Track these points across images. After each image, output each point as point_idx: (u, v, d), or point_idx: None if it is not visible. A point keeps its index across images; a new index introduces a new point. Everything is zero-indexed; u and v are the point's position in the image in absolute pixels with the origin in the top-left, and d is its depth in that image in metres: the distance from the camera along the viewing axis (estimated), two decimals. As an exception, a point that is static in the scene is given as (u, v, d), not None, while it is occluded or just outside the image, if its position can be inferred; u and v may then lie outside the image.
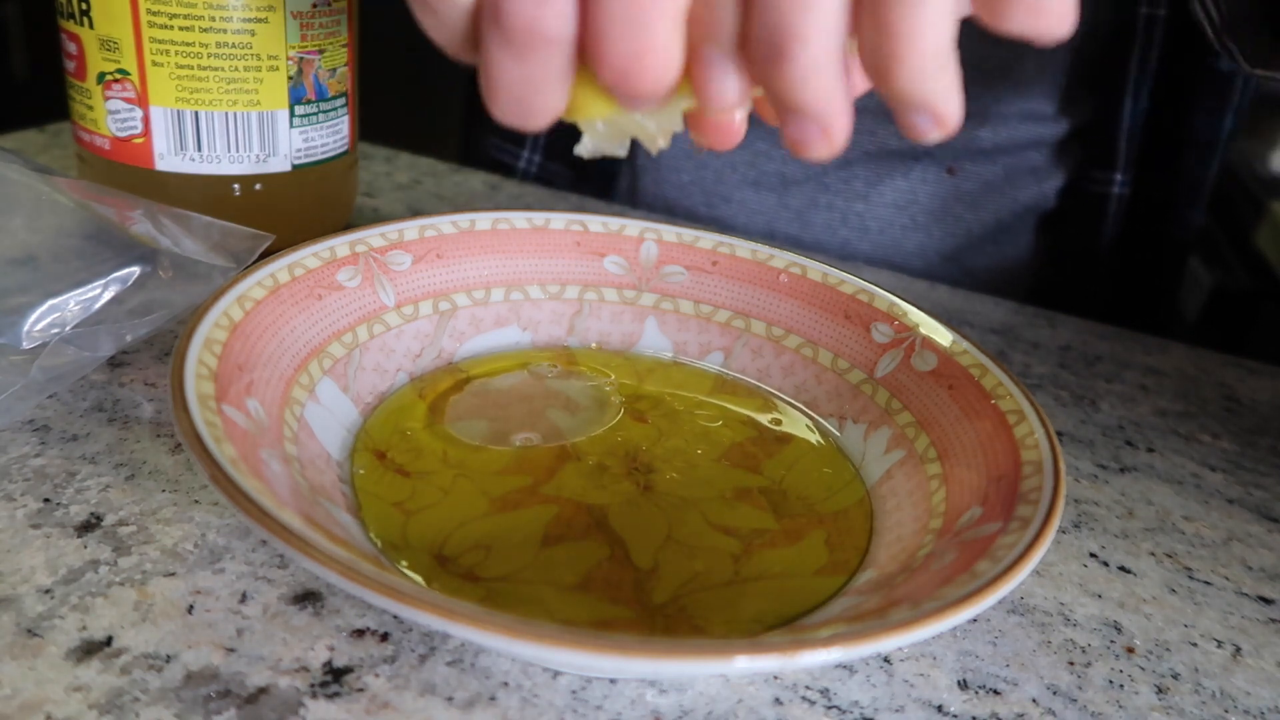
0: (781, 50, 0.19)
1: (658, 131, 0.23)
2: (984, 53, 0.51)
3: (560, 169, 0.61)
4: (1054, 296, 0.54)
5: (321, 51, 0.36)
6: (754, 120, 0.62)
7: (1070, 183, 0.56)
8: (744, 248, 0.33)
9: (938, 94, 0.19)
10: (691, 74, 0.20)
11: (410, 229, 0.31)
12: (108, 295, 0.30)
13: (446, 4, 0.20)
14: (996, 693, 0.23)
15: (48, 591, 0.22)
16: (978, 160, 0.55)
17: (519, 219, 0.33)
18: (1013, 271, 0.57)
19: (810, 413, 0.31)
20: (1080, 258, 0.56)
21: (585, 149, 0.24)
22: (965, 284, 0.53)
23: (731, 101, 0.20)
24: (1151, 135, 0.54)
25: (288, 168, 0.37)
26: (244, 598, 0.23)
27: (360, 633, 0.22)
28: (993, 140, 0.54)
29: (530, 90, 0.20)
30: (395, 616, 0.23)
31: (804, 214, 0.56)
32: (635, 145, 0.58)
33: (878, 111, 0.53)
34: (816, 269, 0.32)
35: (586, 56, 0.19)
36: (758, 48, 0.19)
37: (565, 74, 0.20)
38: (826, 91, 0.19)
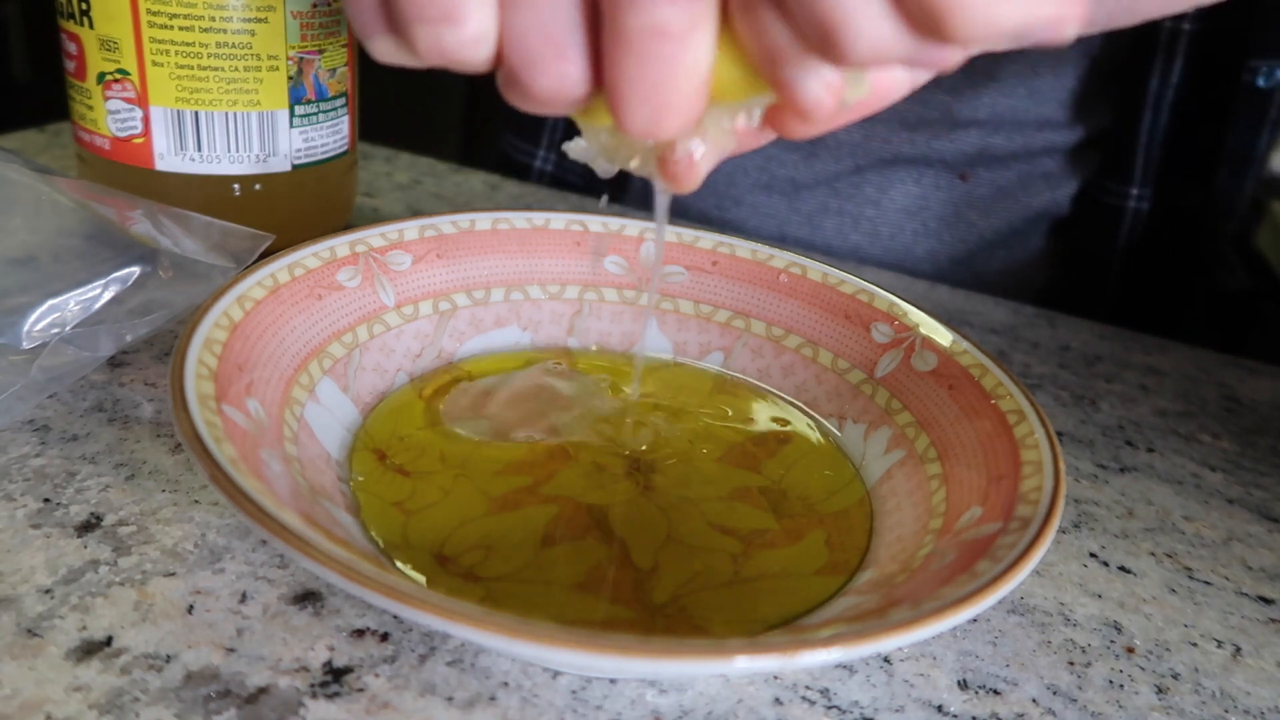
0: (833, 44, 0.18)
1: (649, 154, 0.22)
2: (997, 62, 0.51)
3: (576, 166, 0.61)
4: (1065, 303, 0.54)
5: (321, 51, 0.36)
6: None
7: (1084, 190, 0.56)
8: (744, 248, 0.33)
9: (1019, 11, 0.16)
10: (781, 95, 0.19)
11: (410, 229, 0.31)
12: (108, 295, 0.30)
13: (464, 65, 0.20)
14: (996, 693, 0.23)
15: (48, 591, 0.22)
16: (991, 166, 0.54)
17: (519, 219, 0.33)
18: (1024, 277, 0.57)
19: (810, 413, 0.31)
20: (1093, 265, 0.56)
21: (575, 149, 0.23)
22: (976, 290, 0.52)
23: (829, 104, 0.19)
24: (1183, 150, 0.53)
25: (288, 168, 0.37)
26: (244, 598, 0.23)
27: (360, 633, 0.22)
28: (1006, 147, 0.54)
29: (551, 114, 0.20)
30: (395, 616, 0.23)
31: (815, 218, 0.56)
32: None
33: (890, 119, 0.53)
34: (816, 269, 0.32)
35: (608, 103, 0.19)
36: (816, 50, 0.18)
37: (582, 105, 0.20)
38: (893, 46, 0.17)
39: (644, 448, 0.28)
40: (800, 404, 0.31)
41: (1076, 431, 0.36)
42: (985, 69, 0.51)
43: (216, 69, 0.34)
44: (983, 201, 0.55)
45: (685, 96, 0.19)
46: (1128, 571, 0.28)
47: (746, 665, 0.17)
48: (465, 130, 0.66)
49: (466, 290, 0.32)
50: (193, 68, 0.34)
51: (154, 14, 0.33)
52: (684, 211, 0.58)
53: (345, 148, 0.39)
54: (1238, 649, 0.26)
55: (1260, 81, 0.51)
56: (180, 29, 0.33)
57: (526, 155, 0.61)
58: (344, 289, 0.29)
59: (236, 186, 0.36)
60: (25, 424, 0.28)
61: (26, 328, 0.29)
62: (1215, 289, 0.60)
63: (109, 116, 0.35)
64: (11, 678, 0.20)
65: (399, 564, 0.23)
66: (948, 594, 0.19)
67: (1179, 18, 0.50)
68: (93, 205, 0.32)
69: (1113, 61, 0.52)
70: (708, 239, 0.34)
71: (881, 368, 0.30)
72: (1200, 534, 0.31)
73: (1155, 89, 0.51)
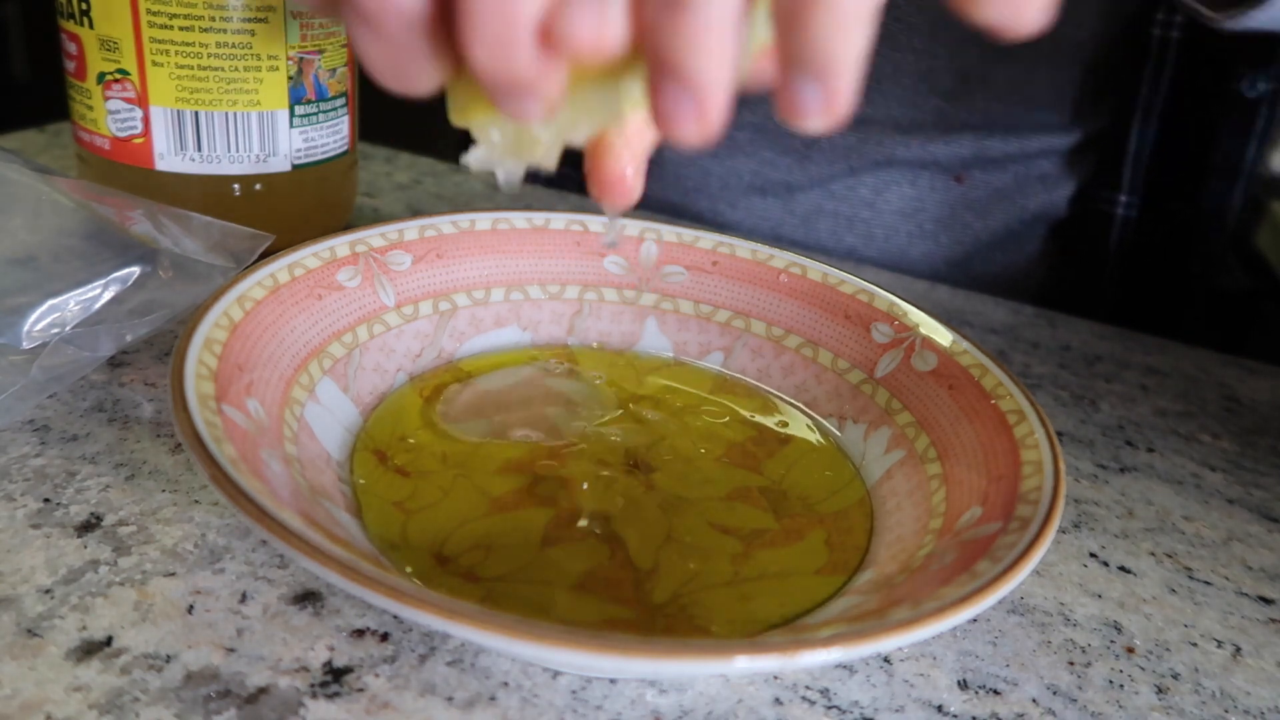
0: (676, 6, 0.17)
1: (552, 143, 0.21)
2: (993, 68, 0.51)
3: (570, 173, 0.61)
4: (1063, 305, 0.54)
5: (321, 51, 0.36)
6: (760, 129, 0.62)
7: (1080, 193, 0.56)
8: (744, 248, 0.33)
9: (840, 61, 0.17)
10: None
11: (410, 229, 0.31)
12: (108, 295, 0.30)
13: None
14: (996, 693, 0.23)
15: (48, 591, 0.22)
16: (987, 168, 0.54)
17: (519, 219, 0.33)
18: (1021, 280, 0.57)
19: (810, 413, 0.31)
20: (1089, 268, 0.56)
21: (474, 159, 0.21)
22: (973, 292, 0.52)
23: (606, 40, 0.18)
24: (1172, 160, 0.53)
25: (288, 168, 0.37)
26: (244, 598, 0.23)
27: (360, 633, 0.22)
28: (1002, 149, 0.54)
29: (398, 64, 0.19)
30: (395, 616, 0.23)
31: (809, 220, 0.56)
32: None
33: (884, 122, 0.53)
34: (816, 269, 0.32)
35: (456, 35, 0.17)
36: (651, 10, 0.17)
37: (429, 51, 0.18)
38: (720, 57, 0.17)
39: (644, 448, 0.28)
40: (800, 404, 0.31)
41: (1076, 431, 0.36)
42: (979, 74, 0.51)
43: (216, 69, 0.34)
44: (979, 203, 0.55)
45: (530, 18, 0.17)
46: (1128, 571, 0.28)
47: (746, 665, 0.17)
48: (464, 136, 0.65)
49: (466, 290, 0.32)
50: (193, 68, 0.34)
51: (154, 14, 0.33)
52: (679, 214, 0.58)
53: (345, 148, 0.39)
54: (1238, 649, 0.26)
55: (1246, 90, 0.51)
56: (180, 29, 0.33)
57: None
58: (344, 289, 0.29)
59: (236, 186, 0.36)
60: (25, 424, 0.28)
61: (26, 328, 0.29)
62: (1215, 289, 0.60)
63: (109, 116, 0.35)
64: (11, 678, 0.20)
65: (399, 564, 0.23)
66: (948, 594, 0.19)
67: (1167, 25, 0.50)
68: (93, 205, 0.32)
69: (1107, 65, 0.52)
70: (708, 239, 0.34)
71: (881, 368, 0.30)
72: (1200, 534, 0.31)
73: (1145, 97, 0.51)
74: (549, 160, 0.21)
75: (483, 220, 0.32)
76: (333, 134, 0.38)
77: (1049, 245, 0.57)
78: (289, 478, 0.22)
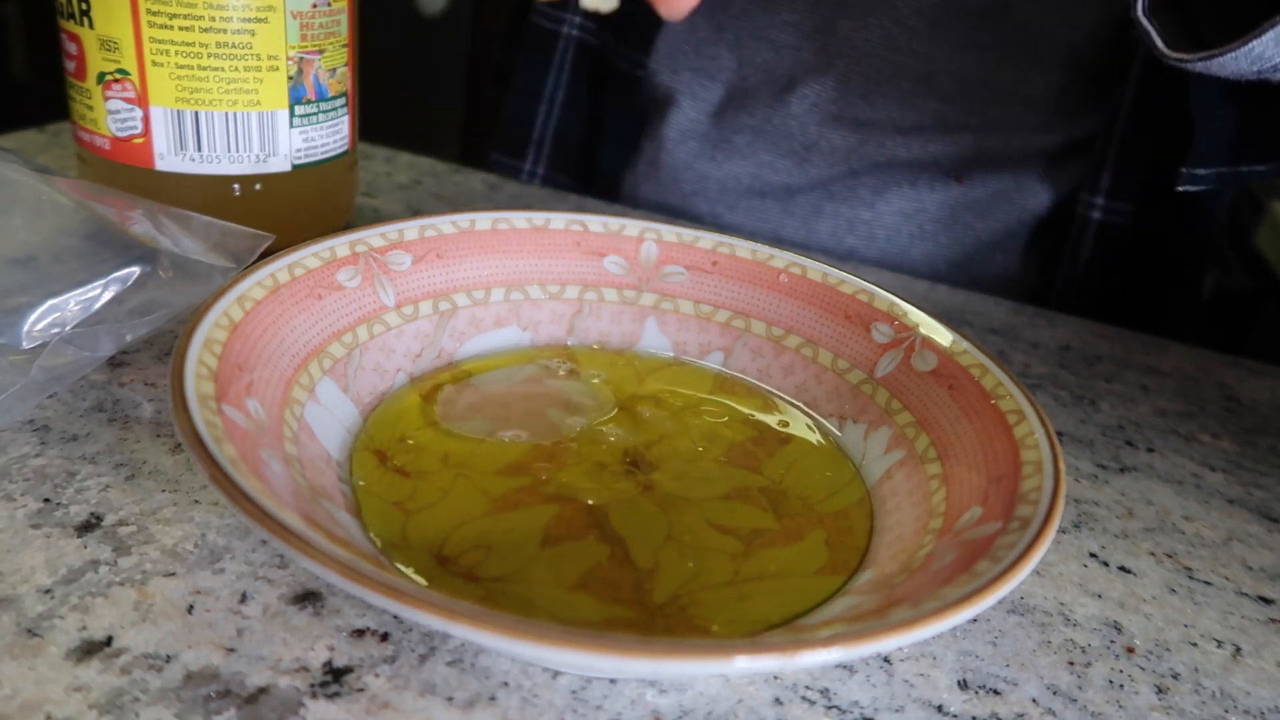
0: None
1: None
2: (991, 70, 0.51)
3: (564, 180, 0.61)
4: (1061, 305, 0.54)
5: (321, 51, 0.36)
6: (758, 131, 0.62)
7: (1079, 193, 0.56)
8: (744, 248, 0.33)
9: None
10: None
11: (410, 229, 0.31)
12: (108, 295, 0.30)
13: None
14: (996, 693, 0.23)
15: (48, 591, 0.22)
16: (987, 169, 0.54)
17: (519, 219, 0.33)
18: (1021, 280, 0.57)
19: (810, 413, 0.31)
20: (1086, 269, 0.56)
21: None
22: (972, 291, 0.52)
23: None
24: (1164, 166, 0.53)
25: (288, 168, 0.37)
26: (244, 598, 0.23)
27: (360, 633, 0.22)
28: (1002, 150, 0.53)
29: None
30: (395, 616, 0.23)
31: (809, 222, 0.56)
32: (639, 153, 0.59)
33: (884, 124, 0.53)
34: (816, 269, 0.32)
35: None
36: None
37: None
38: None
39: (644, 448, 0.28)
40: (800, 404, 0.31)
41: (1076, 431, 0.36)
42: (977, 76, 0.51)
43: (216, 69, 0.34)
44: (979, 203, 0.55)
45: None
46: (1128, 571, 0.28)
47: (746, 665, 0.17)
48: (465, 140, 0.66)
49: (466, 290, 0.32)
50: (193, 68, 0.34)
51: (154, 14, 0.33)
52: (678, 218, 0.58)
53: (345, 148, 0.40)
54: (1238, 649, 0.26)
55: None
56: (180, 29, 0.33)
57: (512, 171, 0.62)
58: (344, 289, 0.29)
59: (236, 186, 0.36)
60: (25, 424, 0.28)
61: (26, 328, 0.29)
62: (1215, 289, 0.60)
63: (109, 116, 0.35)
64: (11, 678, 0.20)
65: (399, 564, 0.23)
66: (948, 594, 0.19)
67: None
68: (93, 205, 0.32)
69: (1103, 66, 0.52)
70: (708, 239, 0.34)
71: (881, 368, 0.30)
72: (1200, 534, 0.31)
73: (1129, 99, 0.51)
74: None
75: (483, 220, 0.32)
76: (333, 134, 0.38)
77: (1049, 245, 0.57)
78: (289, 478, 0.22)
